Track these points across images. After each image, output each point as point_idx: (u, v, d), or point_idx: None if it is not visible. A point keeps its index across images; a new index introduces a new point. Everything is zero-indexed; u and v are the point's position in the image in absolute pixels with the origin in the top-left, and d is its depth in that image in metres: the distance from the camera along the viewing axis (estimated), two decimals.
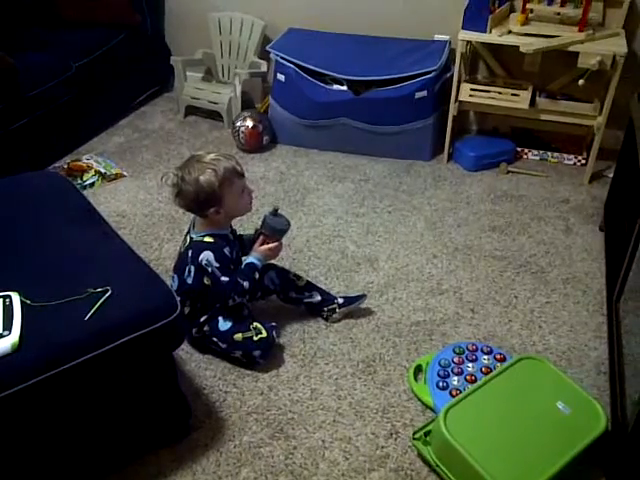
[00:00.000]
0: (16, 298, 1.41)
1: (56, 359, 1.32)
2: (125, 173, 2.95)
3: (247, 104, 3.37)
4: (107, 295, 1.44)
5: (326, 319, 2.07)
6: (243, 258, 1.92)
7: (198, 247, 1.79)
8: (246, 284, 1.81)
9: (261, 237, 1.92)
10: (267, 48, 3.12)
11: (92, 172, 2.94)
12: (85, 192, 2.57)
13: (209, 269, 1.77)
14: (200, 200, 1.71)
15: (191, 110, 3.48)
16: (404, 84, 2.87)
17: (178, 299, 1.50)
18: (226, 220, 1.86)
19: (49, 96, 2.85)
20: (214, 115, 3.40)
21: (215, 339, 1.87)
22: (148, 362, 1.52)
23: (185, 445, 1.67)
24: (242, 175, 1.78)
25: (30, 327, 1.35)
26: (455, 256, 2.41)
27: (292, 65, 2.99)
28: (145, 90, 3.64)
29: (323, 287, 2.13)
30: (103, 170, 2.95)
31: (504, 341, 2.02)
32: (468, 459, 1.48)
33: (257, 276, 1.85)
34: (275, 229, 1.91)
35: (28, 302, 1.42)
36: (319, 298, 2.09)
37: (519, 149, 3.09)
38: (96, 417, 1.49)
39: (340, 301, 2.08)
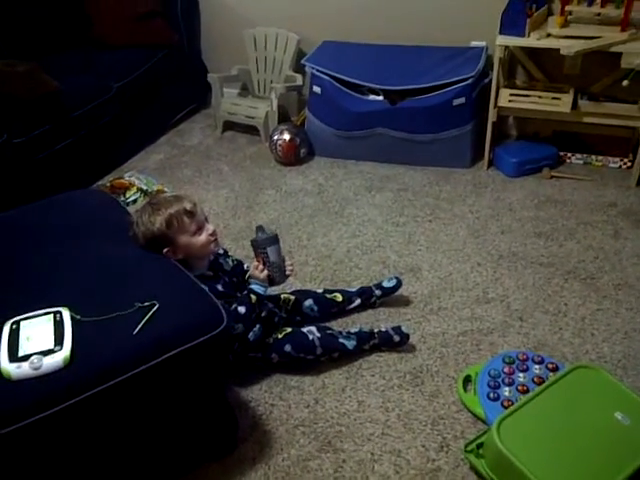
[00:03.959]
0: (66, 313, 1.43)
1: (106, 374, 1.32)
2: (166, 189, 2.99)
3: (283, 118, 3.39)
4: (154, 309, 1.45)
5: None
6: None
7: None
8: (241, 308, 1.78)
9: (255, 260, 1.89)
10: (302, 62, 3.14)
11: (134, 189, 2.99)
12: (128, 209, 2.61)
13: None
14: (151, 241, 1.69)
15: (229, 125, 3.51)
16: (441, 92, 2.84)
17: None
18: (195, 261, 1.81)
19: (92, 116, 2.91)
20: (251, 130, 3.43)
21: (252, 354, 1.86)
22: (195, 375, 1.52)
23: (233, 459, 1.66)
24: (193, 214, 1.75)
25: (80, 342, 1.36)
26: (500, 264, 2.36)
27: (327, 77, 3.00)
28: (183, 108, 3.69)
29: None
30: (145, 187, 2.99)
31: (555, 350, 1.96)
32: (524, 471, 1.43)
33: (254, 299, 1.80)
34: (254, 244, 1.87)
35: (78, 317, 1.43)
36: (359, 301, 2.13)
37: (562, 153, 3.02)
38: (145, 431, 1.50)
39: (378, 293, 2.14)
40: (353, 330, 1.97)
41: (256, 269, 1.85)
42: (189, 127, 3.63)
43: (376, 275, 2.33)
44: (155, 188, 2.99)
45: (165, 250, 1.70)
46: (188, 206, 1.72)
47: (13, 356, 1.31)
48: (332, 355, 1.91)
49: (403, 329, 1.94)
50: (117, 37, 3.33)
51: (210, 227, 1.79)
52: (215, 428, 1.66)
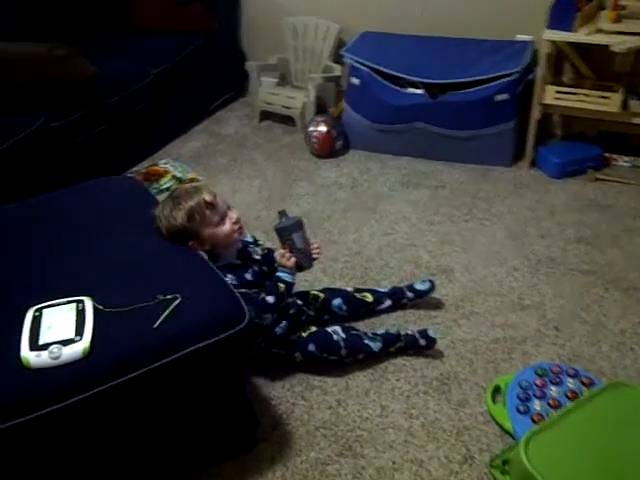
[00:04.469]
0: (89, 303, 1.41)
1: (124, 366, 1.30)
2: (200, 177, 2.97)
3: (321, 109, 3.34)
4: (176, 302, 1.42)
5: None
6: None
7: None
8: (268, 298, 1.74)
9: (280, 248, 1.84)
10: (341, 52, 3.07)
11: (168, 177, 2.98)
12: (161, 196, 2.60)
13: None
14: (175, 235, 1.66)
15: (266, 115, 3.48)
16: (484, 87, 2.75)
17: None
18: (222, 250, 1.78)
19: (128, 102, 2.91)
20: (288, 120, 3.39)
21: (275, 350, 1.83)
22: (216, 371, 1.50)
23: (251, 457, 1.63)
24: (213, 205, 1.71)
25: (101, 333, 1.34)
26: (538, 269, 2.27)
27: (367, 69, 2.93)
28: (221, 95, 3.67)
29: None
30: (179, 174, 2.98)
31: (591, 363, 1.87)
32: None
33: (282, 287, 1.77)
34: (278, 231, 1.82)
35: (100, 307, 1.42)
36: (389, 303, 2.08)
37: (608, 155, 2.89)
38: (163, 425, 1.48)
39: (410, 295, 2.08)
40: (379, 331, 1.92)
41: (283, 257, 1.81)
42: (226, 115, 3.61)
43: (407, 275, 2.26)
44: (189, 176, 2.97)
45: (190, 243, 1.67)
46: (208, 197, 1.69)
47: (34, 344, 1.30)
48: (357, 357, 1.86)
49: (430, 333, 1.88)
50: (156, 22, 3.32)
51: (233, 215, 1.75)
52: (235, 425, 1.63)
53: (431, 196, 2.74)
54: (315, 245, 1.90)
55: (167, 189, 2.89)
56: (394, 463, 1.61)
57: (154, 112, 3.11)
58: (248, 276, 1.81)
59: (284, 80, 3.61)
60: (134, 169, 3.06)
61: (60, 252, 1.62)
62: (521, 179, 2.83)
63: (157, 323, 1.38)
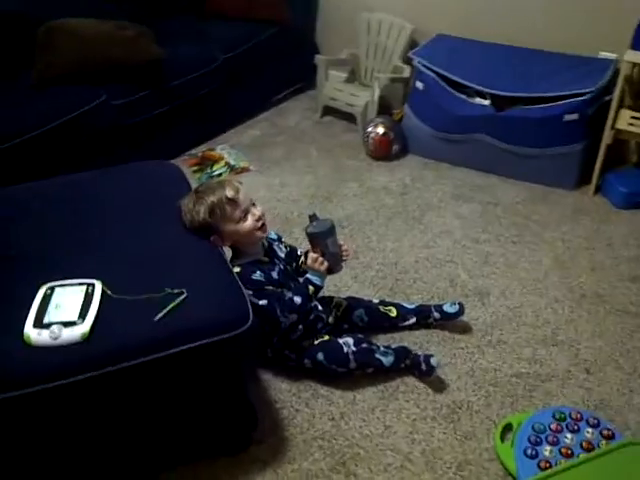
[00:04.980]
0: (98, 287, 1.44)
1: (120, 355, 1.33)
2: (252, 167, 2.99)
3: (385, 110, 3.27)
4: (181, 298, 1.43)
5: None
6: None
7: None
8: (297, 299, 1.73)
9: (310, 251, 1.82)
10: (410, 54, 2.99)
11: (222, 163, 3.02)
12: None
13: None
14: (197, 229, 1.66)
15: (329, 110, 3.44)
16: (553, 104, 2.60)
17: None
18: (246, 247, 1.77)
19: (192, 86, 2.95)
20: (350, 118, 3.34)
21: (287, 352, 1.81)
22: (214, 370, 1.50)
23: (244, 458, 1.63)
24: (235, 202, 1.68)
25: (104, 319, 1.37)
26: (580, 304, 2.13)
27: (433, 74, 2.83)
28: (289, 86, 3.67)
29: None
30: (232, 162, 3.01)
31: (618, 414, 1.74)
32: None
33: (312, 290, 1.76)
34: (312, 236, 1.79)
35: (109, 293, 1.45)
36: (414, 320, 2.02)
37: None
38: (156, 416, 1.50)
39: (436, 316, 2.00)
40: (393, 345, 1.87)
41: (315, 262, 1.79)
42: (291, 106, 3.61)
43: (440, 293, 2.19)
44: (242, 165, 3.00)
45: (212, 237, 1.68)
46: (230, 194, 1.68)
47: (38, 321, 1.35)
48: (366, 370, 1.82)
49: (432, 361, 1.80)
50: (232, 10, 3.34)
51: (256, 212, 1.74)
52: (231, 424, 1.63)
53: (482, 212, 2.63)
54: (345, 247, 1.86)
55: (219, 175, 2.93)
56: None
57: (218, 97, 3.14)
58: (274, 274, 1.79)
59: (353, 76, 3.56)
60: (192, 152, 3.12)
61: (84, 232, 1.66)
62: (582, 205, 2.66)
63: (158, 316, 1.39)
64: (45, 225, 1.68)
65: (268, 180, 2.89)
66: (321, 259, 1.79)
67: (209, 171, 2.95)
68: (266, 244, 1.86)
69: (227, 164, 3.00)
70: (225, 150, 3.12)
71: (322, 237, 1.80)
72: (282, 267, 1.84)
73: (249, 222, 1.72)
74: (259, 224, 1.74)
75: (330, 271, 1.82)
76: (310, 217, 1.84)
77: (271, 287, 1.75)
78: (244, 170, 2.97)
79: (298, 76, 3.67)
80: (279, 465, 1.62)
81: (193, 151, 3.11)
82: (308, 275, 1.80)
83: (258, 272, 1.73)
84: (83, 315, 1.37)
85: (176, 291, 1.45)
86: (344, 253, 1.85)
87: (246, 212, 1.72)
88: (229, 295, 1.50)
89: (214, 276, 1.55)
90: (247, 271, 1.71)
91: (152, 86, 2.77)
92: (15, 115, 2.42)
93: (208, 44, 3.08)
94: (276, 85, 3.59)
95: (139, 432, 1.51)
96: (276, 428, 1.71)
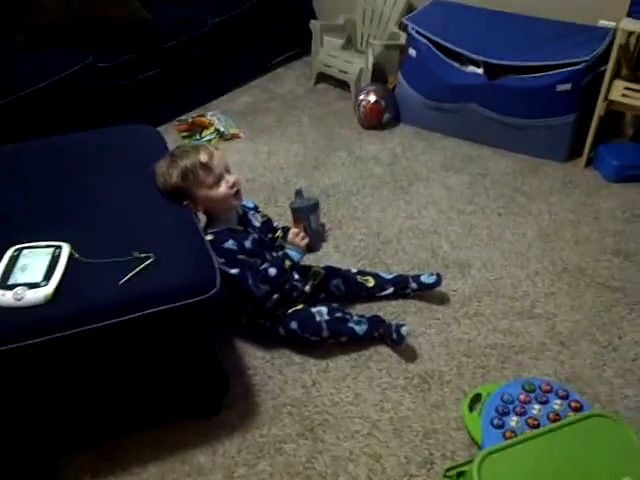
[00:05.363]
0: (66, 250, 1.44)
1: (83, 318, 1.33)
2: (242, 134, 2.97)
3: (380, 77, 3.21)
4: (147, 262, 1.43)
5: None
6: None
7: None
8: (272, 270, 1.73)
9: (293, 226, 1.82)
10: (404, 20, 2.93)
11: (212, 129, 3.00)
12: None
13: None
14: (169, 193, 1.64)
15: (323, 77, 3.40)
16: (546, 73, 2.54)
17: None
18: (219, 214, 1.76)
19: (182, 50, 2.91)
20: (344, 85, 3.29)
21: (261, 320, 1.82)
22: (181, 336, 1.51)
23: (214, 422, 1.65)
24: (208, 167, 1.66)
25: (69, 281, 1.38)
26: (561, 277, 2.12)
27: (426, 40, 2.78)
28: (284, 51, 3.62)
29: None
30: (222, 129, 2.99)
31: (589, 387, 1.74)
32: None
33: (288, 264, 1.75)
34: (295, 211, 1.81)
35: (76, 256, 1.45)
36: (391, 290, 2.01)
37: None
38: (124, 378, 1.51)
39: (414, 286, 1.99)
40: (367, 315, 1.87)
41: (296, 236, 1.80)
42: (285, 73, 3.56)
43: (421, 263, 2.18)
44: (231, 131, 2.97)
45: (185, 202, 1.67)
46: (203, 158, 1.66)
47: (3, 283, 1.36)
48: (339, 339, 1.82)
49: (402, 330, 1.79)
50: None
51: (230, 179, 1.72)
52: (201, 388, 1.65)
53: (470, 183, 2.60)
54: (327, 227, 1.86)
55: (208, 141, 2.91)
56: (351, 454, 1.58)
57: (209, 62, 3.10)
58: (247, 244, 1.79)
59: (350, 43, 3.50)
60: (182, 117, 3.10)
61: (61, 194, 1.66)
62: (572, 178, 2.62)
63: (123, 280, 1.39)
64: (21, 187, 1.68)
65: (257, 147, 2.86)
66: (302, 234, 1.80)
67: (198, 137, 2.93)
68: (241, 212, 1.85)
69: (217, 131, 2.98)
70: (215, 116, 3.09)
71: (305, 213, 1.82)
72: (256, 237, 1.83)
73: (222, 188, 1.71)
74: (233, 191, 1.73)
75: (310, 248, 1.83)
76: (296, 192, 1.85)
77: (243, 256, 1.74)
78: (234, 137, 2.94)
79: (294, 42, 3.61)
80: (247, 430, 1.64)
81: (184, 117, 3.09)
82: (287, 249, 1.80)
83: (231, 241, 1.72)
84: (48, 277, 1.37)
85: (143, 255, 1.45)
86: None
87: (220, 178, 1.71)
88: (197, 261, 1.49)
89: (184, 241, 1.54)
90: (219, 239, 1.70)
91: (140, 49, 2.74)
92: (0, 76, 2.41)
93: (199, 7, 3.03)
94: (271, 51, 3.53)
95: (107, 394, 1.52)
96: (247, 394, 1.73)
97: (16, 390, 1.39)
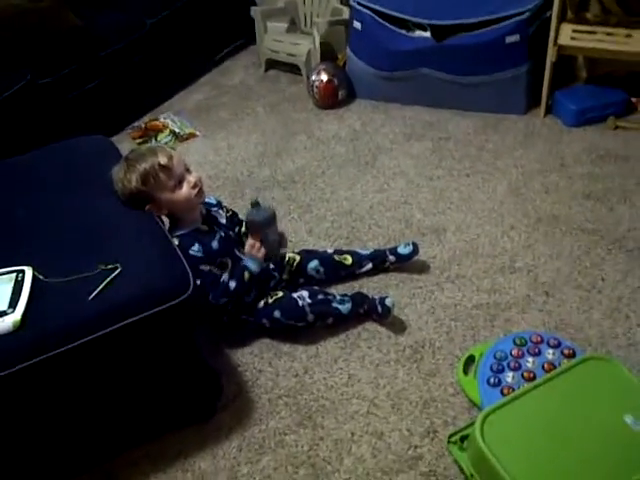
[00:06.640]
0: (29, 273, 1.39)
1: (55, 340, 1.28)
2: (198, 132, 2.91)
3: (329, 56, 3.17)
4: (115, 273, 1.38)
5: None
6: None
7: None
8: (232, 284, 1.70)
9: (249, 236, 1.80)
10: None
11: (167, 132, 2.93)
12: None
13: None
14: (130, 198, 1.60)
15: (272, 64, 3.34)
16: (492, 27, 2.53)
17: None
18: (183, 215, 1.72)
19: (123, 55, 2.84)
20: (295, 69, 3.24)
21: (244, 316, 1.78)
22: (162, 343, 1.46)
23: (211, 425, 1.61)
24: (169, 169, 1.62)
25: (36, 305, 1.33)
26: (537, 228, 2.11)
27: (369, 11, 2.74)
28: (228, 44, 3.55)
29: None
30: (177, 130, 2.92)
31: (579, 332, 1.74)
32: (505, 477, 1.28)
33: (247, 276, 1.72)
34: (251, 224, 1.80)
35: (41, 277, 1.39)
36: (370, 266, 1.98)
37: (635, 100, 2.63)
38: (111, 394, 1.46)
39: (392, 259, 1.97)
40: (350, 293, 1.84)
41: (252, 247, 1.77)
42: (233, 65, 3.50)
43: (396, 235, 2.15)
44: (187, 131, 2.91)
45: (147, 207, 1.62)
46: (163, 160, 1.61)
47: None
48: (326, 321, 1.79)
49: (387, 302, 1.77)
50: None
51: (191, 179, 1.67)
52: (193, 394, 1.60)
53: (434, 149, 2.58)
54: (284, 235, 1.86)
55: (165, 144, 2.84)
56: (353, 435, 1.55)
57: (154, 64, 3.04)
58: (215, 244, 1.74)
59: (294, 26, 3.44)
60: (135, 124, 3.02)
61: (17, 215, 1.60)
62: (534, 128, 2.62)
63: (92, 295, 1.34)
64: None
65: (216, 144, 2.81)
66: (258, 245, 1.77)
67: (155, 142, 2.86)
68: (204, 211, 1.80)
69: (172, 132, 2.91)
70: (169, 118, 3.03)
71: (260, 226, 1.81)
72: (223, 234, 1.79)
73: (184, 189, 1.66)
74: (195, 191, 1.68)
75: (268, 258, 1.80)
76: (252, 204, 1.84)
77: (208, 267, 1.69)
78: (190, 136, 2.88)
79: (238, 32, 3.55)
80: (246, 428, 1.60)
81: (136, 123, 3.01)
82: (244, 261, 1.76)
83: (196, 244, 1.68)
84: (14, 304, 1.32)
85: (110, 266, 1.40)
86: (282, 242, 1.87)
87: (181, 179, 1.66)
88: (166, 265, 1.44)
89: (150, 247, 1.49)
90: (185, 243, 1.66)
91: (80, 59, 2.65)
92: None
93: (134, 9, 2.96)
94: (215, 44, 3.47)
95: (97, 414, 1.47)
96: (240, 392, 1.69)
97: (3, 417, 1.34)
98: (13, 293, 1.34)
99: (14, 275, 1.39)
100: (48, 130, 2.55)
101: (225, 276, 1.71)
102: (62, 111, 2.62)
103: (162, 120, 3.01)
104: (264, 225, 1.78)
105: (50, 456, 1.47)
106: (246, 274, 1.73)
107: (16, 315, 1.30)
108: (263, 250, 1.77)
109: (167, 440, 1.58)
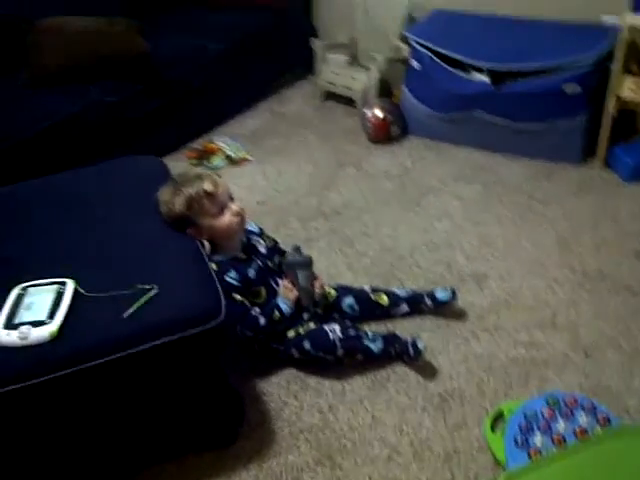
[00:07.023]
0: (70, 286, 1.43)
1: (87, 354, 1.31)
2: (250, 157, 2.96)
3: (385, 91, 3.19)
4: (151, 294, 1.41)
5: None
6: None
7: None
8: (262, 320, 1.73)
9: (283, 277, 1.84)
10: (404, 32, 2.91)
11: (221, 154, 2.99)
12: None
13: None
14: (173, 221, 1.63)
15: (331, 95, 3.38)
16: (552, 75, 2.49)
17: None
18: (223, 242, 1.75)
19: (186, 79, 2.93)
20: (351, 101, 3.27)
21: (274, 345, 1.79)
22: (190, 365, 1.48)
23: (230, 453, 1.61)
24: (213, 196, 1.66)
25: (74, 317, 1.37)
26: (582, 284, 2.05)
27: (428, 51, 2.75)
28: (289, 71, 3.62)
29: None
30: (231, 153, 2.98)
31: (617, 399, 1.67)
32: None
33: (277, 316, 1.75)
34: (284, 265, 1.84)
35: (82, 291, 1.44)
36: (407, 308, 1.96)
37: None
38: (134, 413, 1.49)
39: (428, 303, 1.95)
40: (382, 333, 1.83)
41: (286, 288, 1.80)
42: (292, 93, 3.55)
43: (436, 278, 2.13)
44: (241, 155, 2.97)
45: (188, 230, 1.66)
46: (208, 187, 1.65)
47: (9, 322, 1.35)
48: (355, 357, 1.78)
49: (419, 344, 1.74)
50: None
51: (234, 207, 1.72)
52: (216, 418, 1.61)
53: (483, 192, 2.55)
54: (318, 284, 1.87)
55: (216, 168, 2.90)
56: (370, 479, 1.53)
57: (215, 88, 3.11)
58: (251, 273, 1.77)
59: (354, 59, 3.48)
60: (192, 145, 3.10)
61: (65, 230, 1.65)
62: (588, 180, 2.56)
63: (127, 313, 1.38)
64: (25, 227, 1.68)
65: (267, 169, 2.85)
66: (290, 286, 1.80)
67: (208, 164, 2.93)
68: (244, 239, 1.83)
69: (225, 155, 2.97)
70: (224, 141, 3.09)
71: (292, 268, 1.84)
72: (260, 264, 1.81)
73: (226, 217, 1.70)
74: (237, 220, 1.72)
75: (299, 303, 1.83)
76: (293, 247, 1.88)
77: (240, 296, 1.72)
78: (243, 161, 2.94)
79: (298, 61, 3.61)
80: (264, 459, 1.60)
81: (194, 144, 3.09)
82: (278, 300, 1.79)
83: (233, 272, 1.71)
84: (52, 314, 1.36)
85: (147, 287, 1.43)
86: (317, 289, 1.85)
87: (224, 207, 1.70)
88: (201, 289, 1.47)
89: (188, 270, 1.52)
90: (222, 270, 1.69)
91: (145, 81, 2.75)
92: (8, 117, 2.43)
93: (202, 35, 3.05)
94: (276, 72, 3.53)
95: (119, 430, 1.50)
96: (263, 421, 1.69)
97: (24, 430, 1.38)
98: (53, 304, 1.39)
99: (56, 286, 1.43)
100: (109, 147, 2.64)
101: (256, 310, 1.73)
102: (124, 129, 2.70)
103: (217, 143, 3.08)
104: (294, 267, 1.82)
105: (70, 469, 1.50)
106: (276, 313, 1.75)
107: (53, 326, 1.34)
108: (295, 292, 1.79)
109: (185, 463, 1.59)
